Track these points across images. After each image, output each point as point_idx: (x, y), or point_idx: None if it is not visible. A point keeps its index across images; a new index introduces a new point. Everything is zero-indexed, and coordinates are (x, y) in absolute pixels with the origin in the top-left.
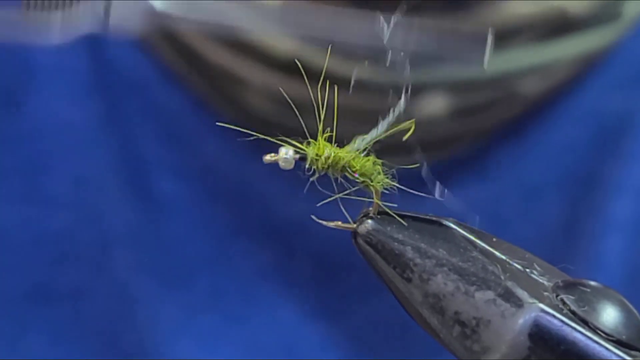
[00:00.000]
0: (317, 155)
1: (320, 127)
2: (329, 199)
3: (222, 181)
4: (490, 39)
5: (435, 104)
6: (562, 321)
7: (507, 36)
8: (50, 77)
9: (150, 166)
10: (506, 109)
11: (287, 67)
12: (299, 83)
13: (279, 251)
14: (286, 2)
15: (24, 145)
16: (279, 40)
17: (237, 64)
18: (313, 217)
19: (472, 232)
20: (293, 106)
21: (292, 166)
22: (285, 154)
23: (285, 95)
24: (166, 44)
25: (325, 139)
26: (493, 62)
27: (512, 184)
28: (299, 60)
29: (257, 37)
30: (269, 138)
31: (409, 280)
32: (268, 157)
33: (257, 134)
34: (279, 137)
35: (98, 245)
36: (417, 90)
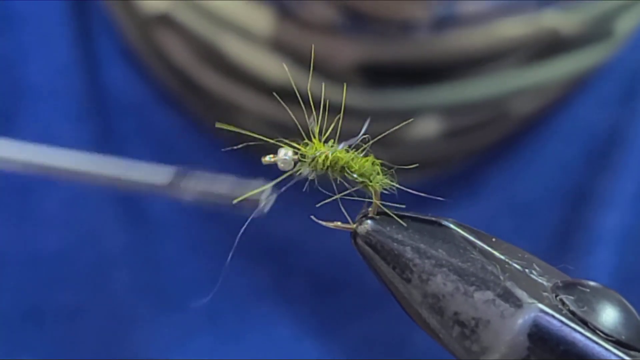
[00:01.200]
0: (315, 155)
1: (317, 129)
2: (329, 200)
3: None
4: None
5: (428, 127)
6: (561, 321)
7: (498, 58)
8: (45, 98)
9: None
10: (497, 128)
11: (279, 92)
12: (291, 107)
13: (274, 270)
14: (277, 29)
15: None
16: (270, 66)
17: (229, 89)
18: (312, 217)
19: (471, 232)
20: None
21: (291, 167)
22: (284, 154)
23: (279, 119)
24: (160, 65)
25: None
26: (485, 84)
27: (503, 201)
28: (290, 85)
29: (248, 63)
30: (267, 139)
31: (408, 280)
32: (267, 159)
33: (260, 136)
34: (278, 139)
35: (93, 266)
36: (410, 113)
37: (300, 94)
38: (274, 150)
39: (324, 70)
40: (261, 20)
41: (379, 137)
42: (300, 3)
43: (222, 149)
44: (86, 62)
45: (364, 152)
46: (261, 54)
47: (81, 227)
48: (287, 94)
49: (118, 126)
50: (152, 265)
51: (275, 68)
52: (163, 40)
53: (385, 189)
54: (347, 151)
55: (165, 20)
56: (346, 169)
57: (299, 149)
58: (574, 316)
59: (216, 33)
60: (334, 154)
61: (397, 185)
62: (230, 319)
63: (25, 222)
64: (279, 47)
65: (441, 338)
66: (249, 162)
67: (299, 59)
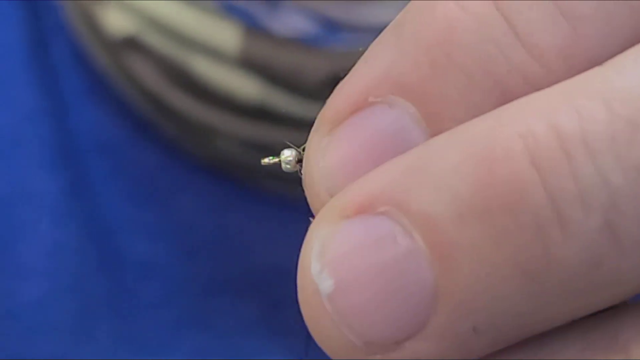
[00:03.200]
0: None
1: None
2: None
3: (198, 235)
4: None
5: None
6: None
7: None
8: (14, 147)
9: (124, 229)
10: None
11: (254, 111)
12: (266, 127)
13: (262, 302)
14: (246, 46)
15: None
16: (243, 86)
17: (202, 110)
18: (311, 219)
19: None
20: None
21: (294, 168)
22: (288, 156)
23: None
24: (133, 91)
25: None
26: None
27: None
28: (264, 105)
29: (219, 82)
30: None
31: None
32: (266, 160)
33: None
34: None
35: (74, 314)
36: None
37: (274, 111)
38: (254, 171)
39: (296, 86)
40: (229, 37)
41: None
42: (270, 16)
43: (202, 175)
44: (53, 105)
45: None
46: (231, 73)
47: (61, 275)
48: (261, 113)
49: (94, 169)
50: (136, 309)
51: (246, 86)
52: (132, 64)
53: None
54: None
55: (133, 43)
56: None
57: (300, 151)
58: None
59: (185, 54)
60: None
61: None
62: (220, 357)
63: (4, 272)
64: (249, 64)
65: None
66: (230, 186)
67: (270, 75)
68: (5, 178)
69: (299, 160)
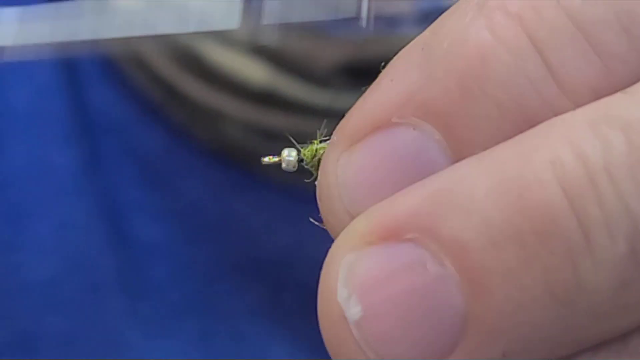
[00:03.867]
0: (315, 156)
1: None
2: None
3: (204, 219)
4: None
5: None
6: None
7: None
8: (30, 121)
9: (131, 210)
10: None
11: (262, 97)
12: (275, 112)
13: (266, 287)
14: (252, 33)
15: (7, 191)
16: (252, 72)
17: (211, 95)
18: (311, 219)
19: None
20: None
21: (294, 167)
22: (288, 154)
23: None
24: (142, 75)
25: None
26: None
27: None
28: (273, 90)
29: (228, 67)
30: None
31: None
32: (266, 160)
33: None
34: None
35: (84, 291)
36: None
37: (282, 97)
38: (260, 157)
39: (306, 73)
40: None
41: None
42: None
43: (209, 160)
44: (68, 81)
45: None
46: (241, 58)
47: (71, 252)
48: (270, 99)
49: (104, 147)
50: (143, 289)
51: (255, 71)
52: (143, 49)
53: None
54: None
55: None
56: None
57: (300, 150)
58: None
59: (194, 38)
60: None
61: None
62: (224, 340)
63: (15, 249)
64: (259, 50)
65: None
66: (236, 172)
67: (280, 61)
68: (20, 152)
69: (300, 160)
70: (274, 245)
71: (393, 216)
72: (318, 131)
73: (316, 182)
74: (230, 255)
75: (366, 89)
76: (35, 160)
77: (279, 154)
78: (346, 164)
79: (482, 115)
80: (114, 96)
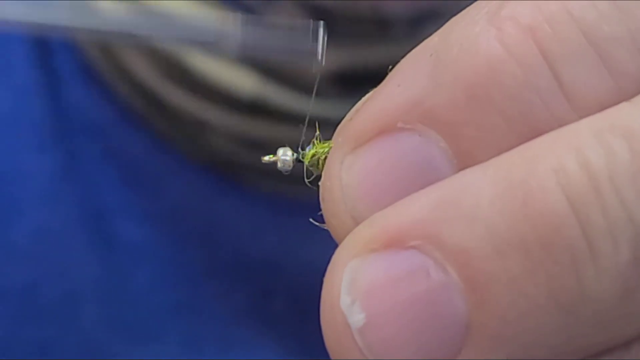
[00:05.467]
0: (315, 155)
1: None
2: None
3: (189, 223)
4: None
5: None
6: None
7: None
8: (7, 125)
9: (114, 213)
10: None
11: (249, 107)
12: (262, 122)
13: (252, 291)
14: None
15: None
16: (239, 81)
17: (196, 105)
18: (311, 219)
19: None
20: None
21: (290, 167)
22: (284, 154)
23: (248, 135)
24: (124, 84)
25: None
26: None
27: None
28: (260, 100)
29: (214, 77)
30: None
31: None
32: (266, 158)
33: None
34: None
35: (62, 299)
36: None
37: (270, 106)
38: (250, 169)
39: (295, 82)
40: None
41: None
42: (266, 9)
43: (192, 168)
44: (46, 84)
45: None
46: (226, 66)
47: (50, 259)
48: (257, 108)
49: (83, 151)
50: (125, 295)
51: (242, 81)
52: (125, 57)
53: None
54: None
55: None
56: None
57: (297, 150)
58: None
59: (178, 45)
60: None
61: None
62: (210, 346)
63: None
64: (245, 58)
65: None
66: (218, 181)
67: (268, 70)
68: None
69: (298, 160)
70: (259, 250)
71: (397, 223)
72: (317, 133)
73: (319, 183)
74: (215, 259)
75: (369, 91)
76: (12, 165)
77: (274, 154)
78: (350, 166)
79: (489, 126)
80: (94, 99)
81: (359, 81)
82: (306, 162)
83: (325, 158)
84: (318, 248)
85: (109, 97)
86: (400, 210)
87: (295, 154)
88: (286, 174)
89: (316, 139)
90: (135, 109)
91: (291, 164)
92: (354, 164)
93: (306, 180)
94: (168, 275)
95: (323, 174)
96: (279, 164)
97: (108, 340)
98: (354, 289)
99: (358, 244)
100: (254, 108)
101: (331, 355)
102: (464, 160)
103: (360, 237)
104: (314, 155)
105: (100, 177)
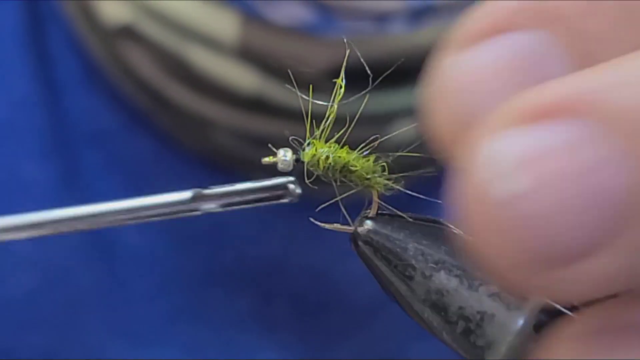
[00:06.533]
0: (315, 155)
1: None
2: (331, 201)
3: (192, 229)
4: None
5: (407, 129)
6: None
7: None
8: (7, 135)
9: None
10: None
11: (251, 103)
12: (264, 118)
13: (254, 295)
14: (244, 35)
15: None
16: (240, 78)
17: (199, 102)
18: (311, 219)
19: None
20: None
21: (290, 168)
22: (284, 155)
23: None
24: (128, 82)
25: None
26: None
27: None
28: (261, 96)
29: (216, 73)
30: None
31: (410, 278)
32: (266, 159)
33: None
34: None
35: (65, 307)
36: (387, 117)
37: (272, 103)
38: (252, 166)
39: (295, 77)
40: (227, 27)
41: (382, 139)
42: (267, 4)
43: (196, 167)
44: (48, 92)
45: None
46: (229, 64)
47: (52, 267)
48: (259, 104)
49: (86, 158)
50: (128, 301)
51: (244, 77)
52: (128, 54)
53: (388, 189)
54: (348, 152)
55: (129, 32)
56: (347, 168)
57: (297, 150)
58: None
59: (181, 44)
60: (335, 154)
61: (399, 187)
62: (213, 350)
63: None
64: (247, 55)
65: (445, 336)
66: (225, 179)
67: (269, 66)
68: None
69: (297, 160)
70: (262, 254)
71: (558, 94)
72: (318, 133)
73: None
74: (219, 263)
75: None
76: (11, 175)
77: (274, 155)
78: (465, 61)
79: (609, 22)
80: (96, 104)
81: (357, 76)
82: (306, 162)
83: (326, 158)
84: (321, 251)
85: (114, 102)
86: (556, 84)
87: (295, 155)
88: (287, 171)
89: (319, 137)
90: (139, 109)
91: (291, 165)
92: (469, 59)
93: (306, 180)
94: (170, 281)
95: (434, 72)
96: (279, 165)
97: (110, 346)
98: (512, 159)
99: (512, 116)
100: (257, 104)
101: (472, 234)
102: (580, 61)
103: (514, 109)
104: (314, 155)
105: (101, 183)
